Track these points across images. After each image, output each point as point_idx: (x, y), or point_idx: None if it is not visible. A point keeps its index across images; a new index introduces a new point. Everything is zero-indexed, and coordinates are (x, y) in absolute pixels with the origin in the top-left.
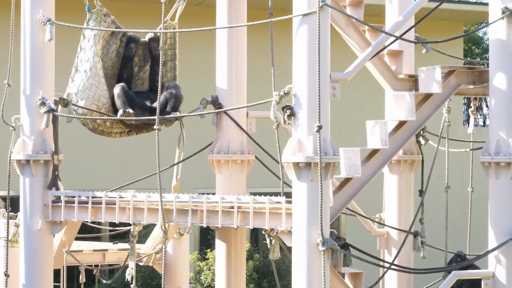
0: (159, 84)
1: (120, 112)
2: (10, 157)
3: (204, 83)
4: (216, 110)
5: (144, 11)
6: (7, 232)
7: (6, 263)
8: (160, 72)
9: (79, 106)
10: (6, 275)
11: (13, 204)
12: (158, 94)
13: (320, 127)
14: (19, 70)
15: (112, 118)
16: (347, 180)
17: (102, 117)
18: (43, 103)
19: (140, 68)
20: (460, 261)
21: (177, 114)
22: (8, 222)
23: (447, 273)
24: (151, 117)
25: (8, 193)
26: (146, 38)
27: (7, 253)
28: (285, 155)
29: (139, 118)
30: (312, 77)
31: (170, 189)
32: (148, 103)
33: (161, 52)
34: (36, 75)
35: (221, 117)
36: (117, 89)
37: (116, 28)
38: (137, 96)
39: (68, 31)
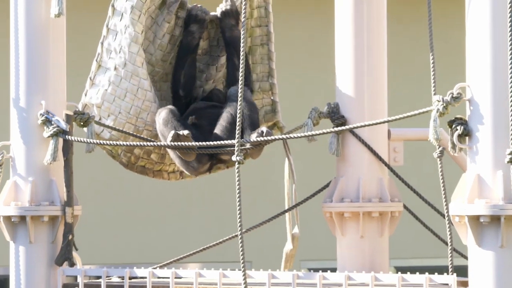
0: (239, 87)
1: (171, 135)
2: None
3: (314, 83)
4: (337, 129)
5: None
6: None
7: None
8: (241, 65)
9: (106, 126)
10: None
11: None
12: (238, 106)
13: None
14: (7, 68)
15: (159, 145)
16: None
17: (143, 144)
18: (47, 121)
19: (207, 65)
20: None
21: (269, 136)
22: None
23: None
24: (227, 142)
25: None
26: (218, 12)
27: None
28: (455, 204)
29: (206, 146)
30: (499, 70)
31: (257, 263)
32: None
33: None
34: (36, 75)
35: (345, 139)
36: (163, 113)
37: None
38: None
39: (88, 4)
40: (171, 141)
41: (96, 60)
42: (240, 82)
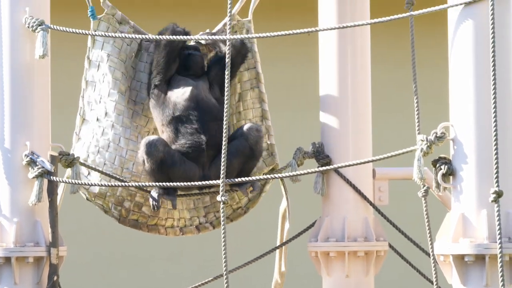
0: (224, 117)
1: (154, 194)
2: None
3: (297, 120)
4: (322, 168)
5: (192, 4)
6: None
7: None
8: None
9: (92, 169)
10: None
11: None
12: (223, 144)
13: (499, 195)
14: None
15: (147, 185)
16: None
17: (128, 184)
18: (32, 162)
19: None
20: None
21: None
22: None
23: None
24: (211, 182)
25: None
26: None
27: None
28: (440, 243)
29: (190, 186)
30: (483, 109)
31: None
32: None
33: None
34: (20, 116)
35: (330, 179)
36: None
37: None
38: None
39: (74, 42)
40: (159, 193)
41: (80, 114)
42: (225, 118)
